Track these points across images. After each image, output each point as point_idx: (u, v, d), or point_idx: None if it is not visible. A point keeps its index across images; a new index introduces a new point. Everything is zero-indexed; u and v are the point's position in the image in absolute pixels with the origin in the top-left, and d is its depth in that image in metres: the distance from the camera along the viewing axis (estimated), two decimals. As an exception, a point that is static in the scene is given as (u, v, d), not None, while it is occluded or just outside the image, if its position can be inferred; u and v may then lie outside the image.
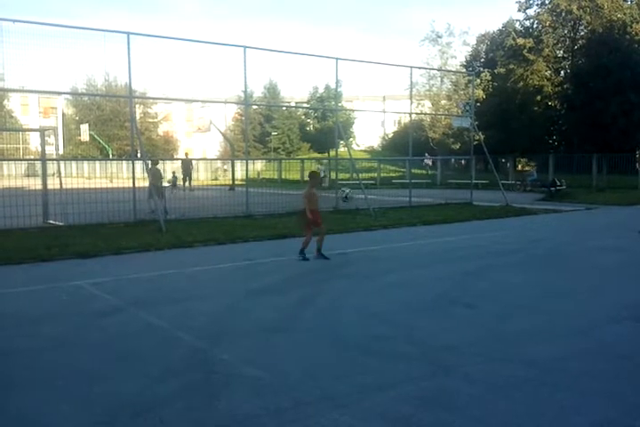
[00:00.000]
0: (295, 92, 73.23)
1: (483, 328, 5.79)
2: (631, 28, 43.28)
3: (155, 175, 16.16)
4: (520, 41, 45.82)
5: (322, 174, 29.02)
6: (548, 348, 5.16)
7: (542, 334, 5.62)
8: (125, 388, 4.24)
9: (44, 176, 15.28)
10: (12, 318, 6.20)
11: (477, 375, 4.46)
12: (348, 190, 11.34)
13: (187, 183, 28.85)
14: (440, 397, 4.08)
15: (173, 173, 29.86)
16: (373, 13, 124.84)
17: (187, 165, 29.35)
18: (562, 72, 49.82)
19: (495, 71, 44.75)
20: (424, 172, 40.86)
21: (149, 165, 15.64)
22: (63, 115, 72.43)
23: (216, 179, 37.46)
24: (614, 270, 9.05)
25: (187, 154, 41.67)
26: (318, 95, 69.37)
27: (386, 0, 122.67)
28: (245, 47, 16.18)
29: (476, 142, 24.63)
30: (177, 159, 40.99)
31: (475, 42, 50.63)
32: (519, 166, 47.13)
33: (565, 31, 48.37)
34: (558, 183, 25.37)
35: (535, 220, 16.89)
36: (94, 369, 4.65)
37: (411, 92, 22.65)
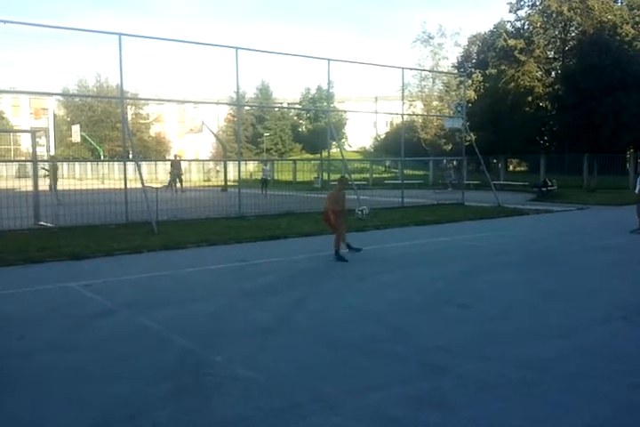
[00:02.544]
0: (287, 93, 73.17)
1: (476, 328, 5.80)
2: (621, 28, 43.52)
3: (55, 173, 18.66)
4: (511, 42, 46.01)
5: (267, 175, 28.94)
6: (542, 348, 5.18)
7: (536, 334, 5.64)
8: (118, 390, 4.23)
9: (36, 177, 15.20)
10: (4, 320, 6.17)
11: (470, 376, 4.48)
12: (366, 209, 10.72)
13: (177, 184, 28.82)
14: (433, 397, 4.09)
15: (170, 173, 29.75)
16: (365, 14, 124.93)
17: (177, 167, 29.33)
18: (553, 73, 50.06)
19: (486, 72, 44.91)
20: (390, 173, 41.54)
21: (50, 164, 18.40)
22: (54, 116, 72.05)
23: (208, 180, 37.36)
24: (607, 270, 9.09)
25: (176, 156, 41.55)
26: (310, 96, 69.36)
27: (378, 1, 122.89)
28: (237, 48, 16.16)
29: (467, 143, 24.69)
30: (167, 160, 40.86)
31: (466, 43, 50.79)
32: (511, 167, 47.35)
33: (556, 32, 48.61)
34: (549, 184, 25.44)
35: (527, 220, 16.96)
36: (87, 371, 4.63)
37: (402, 93, 22.69)
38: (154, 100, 59.17)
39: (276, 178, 38.99)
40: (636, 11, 46.09)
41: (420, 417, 3.77)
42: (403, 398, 4.06)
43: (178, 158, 34.08)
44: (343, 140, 68.13)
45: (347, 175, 18.92)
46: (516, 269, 9.13)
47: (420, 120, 41.44)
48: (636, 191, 13.26)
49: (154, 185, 19.08)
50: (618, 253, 10.75)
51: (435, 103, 41.38)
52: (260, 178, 29.46)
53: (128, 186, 14.51)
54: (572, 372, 4.57)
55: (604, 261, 9.90)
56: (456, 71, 42.69)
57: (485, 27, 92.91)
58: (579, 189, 28.41)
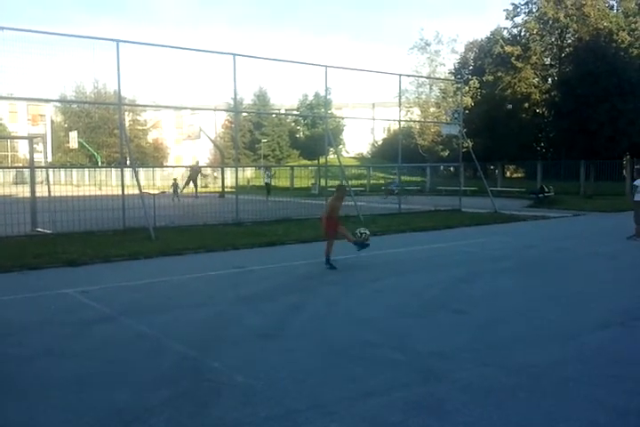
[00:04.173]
0: (285, 99, 73.53)
1: (472, 334, 5.81)
2: (617, 35, 43.78)
3: None
4: (508, 49, 46.26)
5: (267, 180, 29.18)
6: (537, 354, 5.19)
7: (531, 340, 5.65)
8: (116, 396, 4.23)
9: (33, 184, 15.20)
10: (1, 327, 6.16)
11: (466, 382, 4.48)
12: (366, 232, 10.42)
13: (181, 190, 29.42)
14: (429, 403, 4.09)
15: (174, 179, 29.90)
16: (363, 21, 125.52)
17: (194, 173, 29.99)
18: (549, 79, 50.29)
19: (483, 79, 45.09)
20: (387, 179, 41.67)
21: None
22: (52, 122, 72.07)
23: (206, 186, 37.38)
24: (604, 276, 9.11)
25: (198, 162, 41.89)
26: (308, 102, 69.61)
27: (375, 8, 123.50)
28: (235, 55, 16.21)
29: (464, 149, 24.76)
30: (186, 166, 40.94)
31: (463, 50, 51.09)
32: (508, 173, 47.45)
33: (553, 39, 48.88)
34: (546, 190, 25.52)
35: (524, 226, 16.99)
36: (84, 378, 4.63)
37: (400, 99, 22.74)
38: (151, 106, 59.23)
39: (273, 184, 39.04)
40: (631, 18, 46.41)
41: (417, 423, 3.77)
42: (400, 403, 4.07)
43: (197, 165, 34.48)
44: (341, 146, 68.38)
45: (344, 182, 18.93)
46: (513, 276, 9.15)
47: (418, 126, 41.54)
48: (634, 198, 13.25)
49: (151, 191, 19.07)
50: (614, 260, 10.78)
51: (432, 110, 41.45)
52: (263, 183, 30.01)
53: (125, 192, 14.50)
54: (569, 377, 4.58)
55: (601, 268, 9.93)
56: (453, 78, 42.83)
57: (482, 33, 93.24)
58: (575, 196, 28.49)
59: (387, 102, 52.01)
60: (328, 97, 31.59)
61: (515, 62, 46.25)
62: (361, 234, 10.16)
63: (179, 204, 22.65)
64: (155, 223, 14.22)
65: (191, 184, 30.27)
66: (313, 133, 66.04)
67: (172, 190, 27.45)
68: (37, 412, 4.00)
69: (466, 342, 5.56)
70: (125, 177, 15.01)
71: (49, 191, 15.79)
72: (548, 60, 50.32)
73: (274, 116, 70.09)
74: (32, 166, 16.35)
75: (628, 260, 10.87)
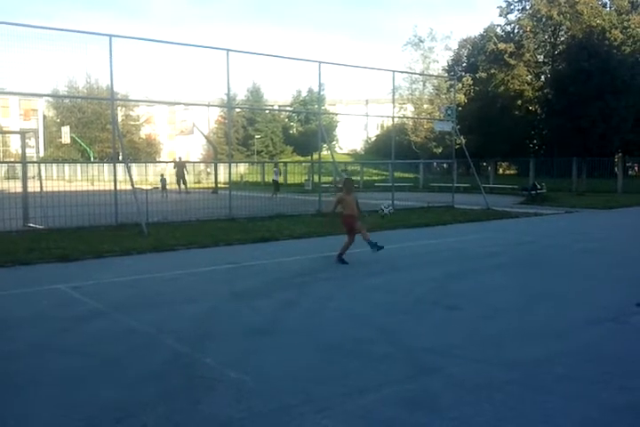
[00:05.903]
0: (278, 95, 73.33)
1: (465, 330, 5.82)
2: (610, 33, 43.92)
3: None
4: (501, 46, 46.37)
5: (275, 177, 29.24)
6: (530, 350, 5.20)
7: (524, 335, 5.66)
8: (107, 393, 4.21)
9: (25, 179, 15.11)
10: (-8, 323, 6.13)
11: (460, 377, 4.49)
12: (389, 207, 10.32)
13: (182, 186, 29.49)
14: (422, 399, 4.09)
15: (162, 175, 29.90)
16: (357, 18, 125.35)
17: (180, 168, 29.91)
18: (542, 77, 50.46)
19: (476, 76, 45.21)
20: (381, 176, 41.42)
21: None
22: (44, 117, 71.73)
23: (199, 182, 37.31)
24: (595, 272, 9.14)
25: (180, 158, 41.87)
26: (301, 98, 69.58)
27: (369, 5, 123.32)
28: (228, 50, 16.15)
29: (457, 146, 24.81)
30: (170, 162, 40.87)
31: (456, 46, 51.17)
32: (500, 170, 47.59)
33: (546, 36, 49.02)
34: (538, 187, 25.60)
35: (516, 223, 17.03)
36: (75, 374, 4.61)
37: (393, 96, 22.73)
38: (144, 101, 59.08)
39: (266, 180, 38.97)
40: (624, 16, 46.55)
41: (411, 419, 3.78)
42: (392, 399, 4.07)
43: (180, 160, 34.37)
44: (334, 142, 68.36)
45: (337, 178, 18.90)
46: (505, 272, 9.18)
47: (411, 123, 41.61)
48: None
49: (144, 187, 19.00)
50: (608, 256, 10.81)
51: (425, 106, 41.55)
52: (271, 180, 30.15)
53: (118, 188, 14.45)
54: (562, 373, 4.59)
55: (594, 264, 9.96)
56: (446, 75, 42.91)
57: (476, 30, 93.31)
58: (567, 193, 28.60)
59: (380, 99, 52.08)
60: (321, 93, 31.60)
61: (508, 59, 46.38)
62: (384, 209, 10.16)
63: (169, 199, 22.59)
64: (147, 219, 14.18)
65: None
66: (306, 129, 66.05)
67: (160, 186, 27.56)
68: (30, 408, 3.98)
69: (459, 338, 5.57)
70: (118, 172, 14.94)
71: (41, 186, 15.71)
72: (541, 57, 50.49)
73: (267, 112, 70.00)
74: (24, 161, 16.24)
75: (622, 256, 10.91)
